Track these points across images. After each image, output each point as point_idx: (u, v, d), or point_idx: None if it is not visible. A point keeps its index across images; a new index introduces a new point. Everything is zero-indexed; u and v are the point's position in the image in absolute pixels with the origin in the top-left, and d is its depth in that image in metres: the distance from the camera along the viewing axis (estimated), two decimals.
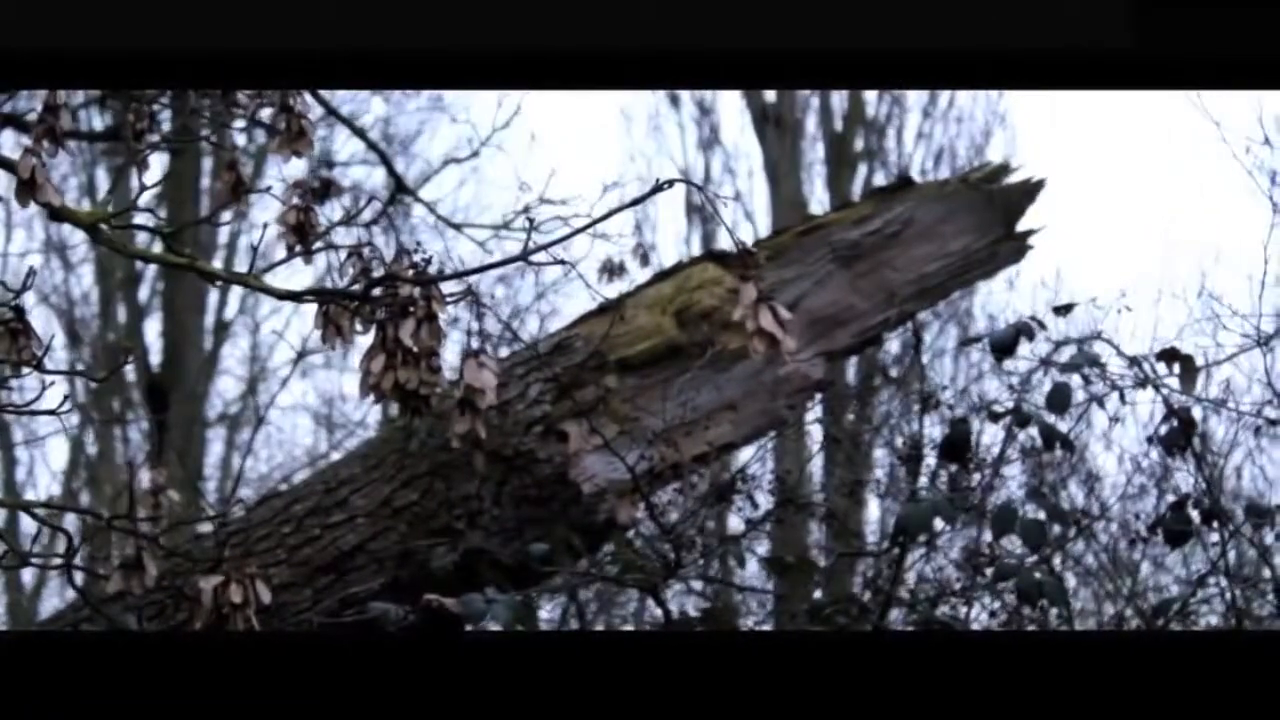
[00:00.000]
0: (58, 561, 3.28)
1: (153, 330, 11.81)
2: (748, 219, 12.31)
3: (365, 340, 3.10)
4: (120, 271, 11.80)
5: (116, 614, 3.52)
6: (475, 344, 3.29)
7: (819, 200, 12.32)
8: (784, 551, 6.01)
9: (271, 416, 11.62)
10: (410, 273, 3.03)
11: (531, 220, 3.09)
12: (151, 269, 11.86)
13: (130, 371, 11.20)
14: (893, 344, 7.01)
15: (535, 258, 3.04)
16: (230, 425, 12.32)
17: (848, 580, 5.86)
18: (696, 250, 10.96)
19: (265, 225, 3.30)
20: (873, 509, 7.45)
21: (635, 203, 3.22)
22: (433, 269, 3.09)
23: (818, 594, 4.82)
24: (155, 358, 11.38)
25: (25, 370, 3.10)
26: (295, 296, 3.11)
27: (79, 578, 3.24)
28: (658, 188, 2.98)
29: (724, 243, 8.06)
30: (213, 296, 11.76)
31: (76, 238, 12.45)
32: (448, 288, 3.09)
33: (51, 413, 2.98)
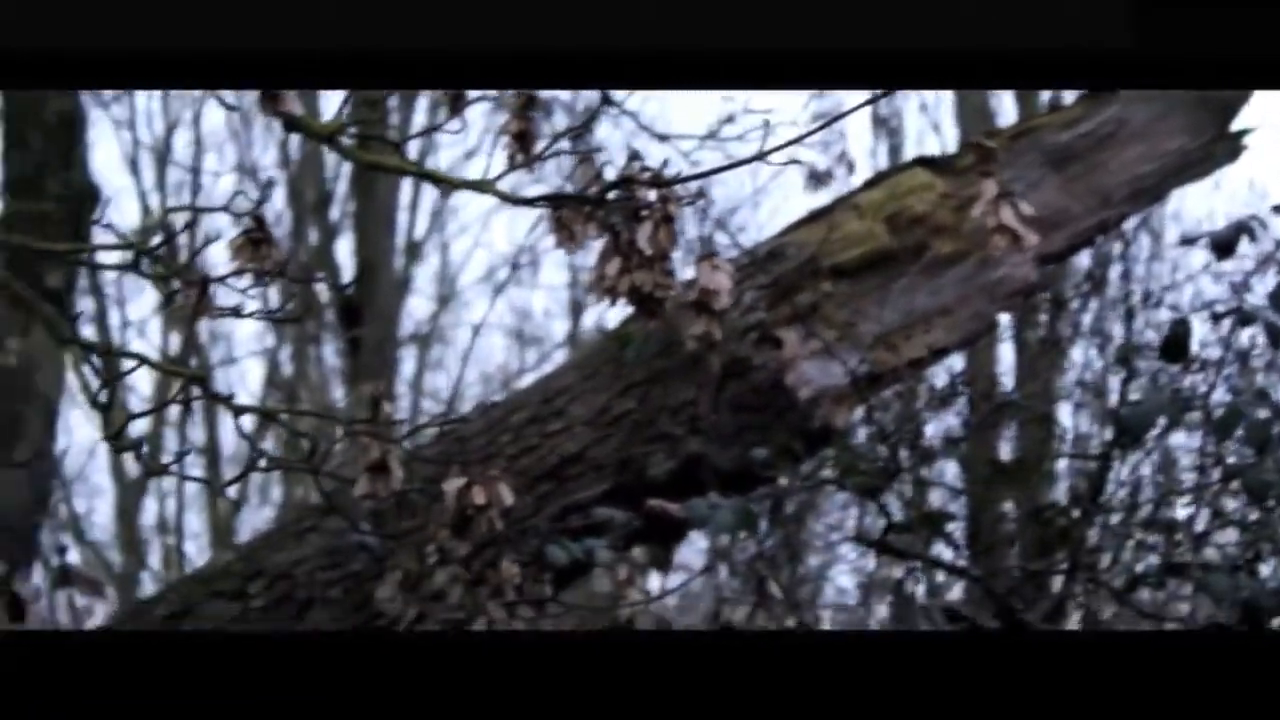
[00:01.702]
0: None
1: (344, 250, 11.99)
2: (934, 130, 12.23)
3: (596, 244, 3.14)
4: (312, 193, 11.98)
5: (359, 516, 3.58)
6: (703, 247, 3.31)
7: (1006, 110, 12.18)
8: (979, 457, 6.00)
9: (463, 335, 11.74)
10: (645, 176, 3.04)
11: (767, 121, 3.08)
12: (342, 189, 12.03)
13: (323, 291, 11.38)
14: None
15: (762, 160, 3.04)
16: (421, 344, 12.49)
17: (1051, 488, 5.83)
18: (884, 162, 10.88)
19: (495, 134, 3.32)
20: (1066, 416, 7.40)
21: (847, 114, 3.22)
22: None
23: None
24: (347, 278, 11.55)
25: (268, 279, 3.15)
26: (531, 202, 3.14)
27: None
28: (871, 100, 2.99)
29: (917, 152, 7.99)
30: (403, 217, 11.91)
31: (266, 159, 12.66)
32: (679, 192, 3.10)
33: (295, 319, 3.03)
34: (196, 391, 3.16)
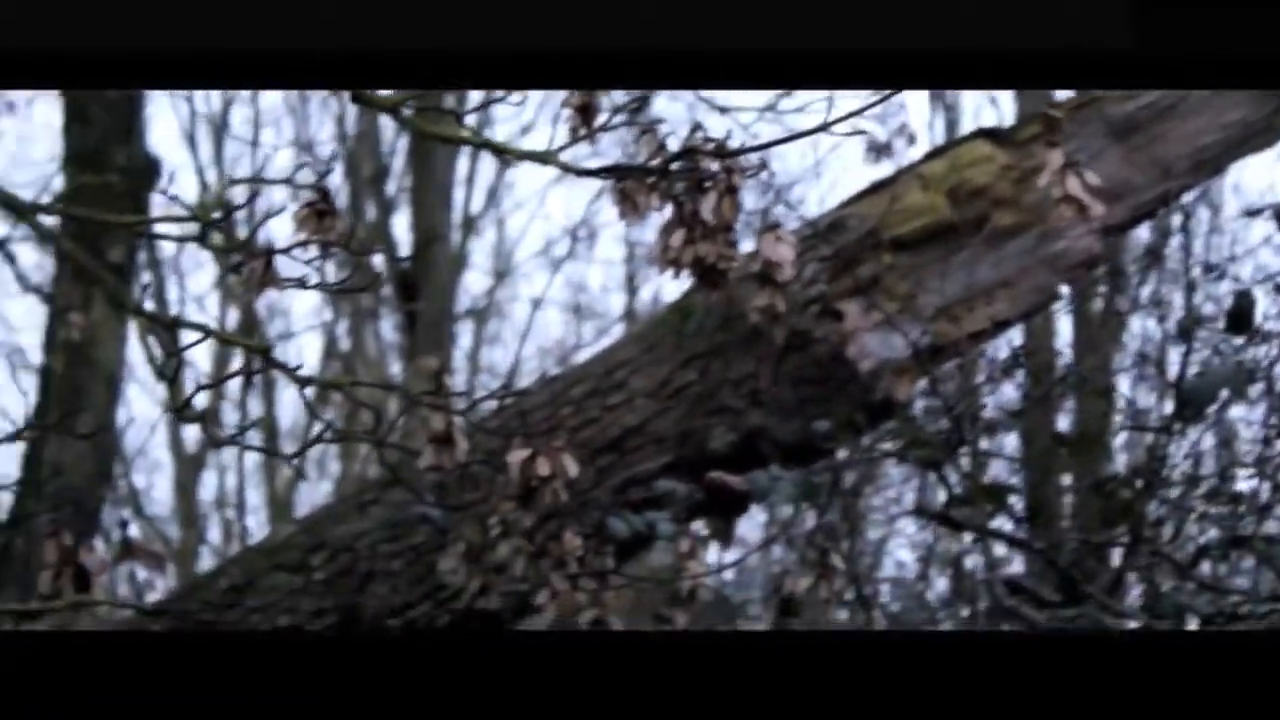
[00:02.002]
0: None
1: (401, 225, 12.01)
2: (991, 103, 12.17)
3: (659, 217, 3.14)
4: (368, 167, 12.00)
5: (422, 488, 3.60)
6: (764, 219, 3.30)
7: None
8: (1040, 430, 5.99)
9: (519, 310, 11.76)
10: (709, 147, 3.04)
11: (830, 99, 3.08)
12: (399, 164, 12.05)
13: (380, 265, 11.40)
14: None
15: (825, 131, 3.04)
16: (477, 320, 12.51)
17: (1111, 461, 5.81)
18: (941, 136, 10.84)
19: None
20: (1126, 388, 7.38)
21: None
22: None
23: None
24: (404, 252, 11.55)
25: (332, 250, 3.16)
26: (596, 173, 3.14)
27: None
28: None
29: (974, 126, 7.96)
30: (459, 192, 11.92)
31: (323, 134, 12.69)
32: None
33: (360, 290, 3.05)
34: (260, 364, 3.17)
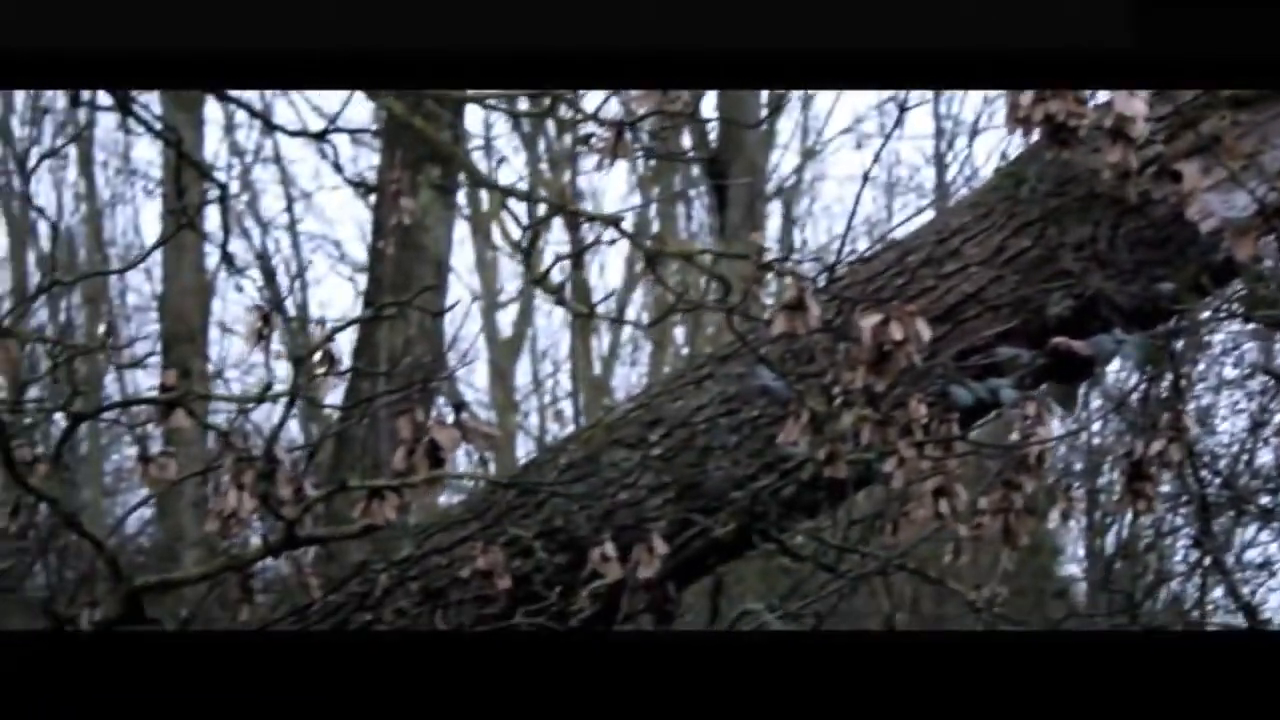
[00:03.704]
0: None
1: (707, 106, 11.98)
2: None
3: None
4: None
5: (772, 356, 3.60)
6: None
7: None
8: None
9: (828, 189, 11.69)
10: None
11: None
12: None
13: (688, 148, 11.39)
14: None
15: None
16: (786, 200, 12.48)
17: None
18: None
19: None
20: None
21: None
22: None
23: None
24: (713, 132, 11.54)
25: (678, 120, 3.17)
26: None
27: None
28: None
29: None
30: None
31: None
32: None
33: (709, 160, 3.04)
34: (615, 235, 3.20)
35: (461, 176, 7.52)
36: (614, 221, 3.25)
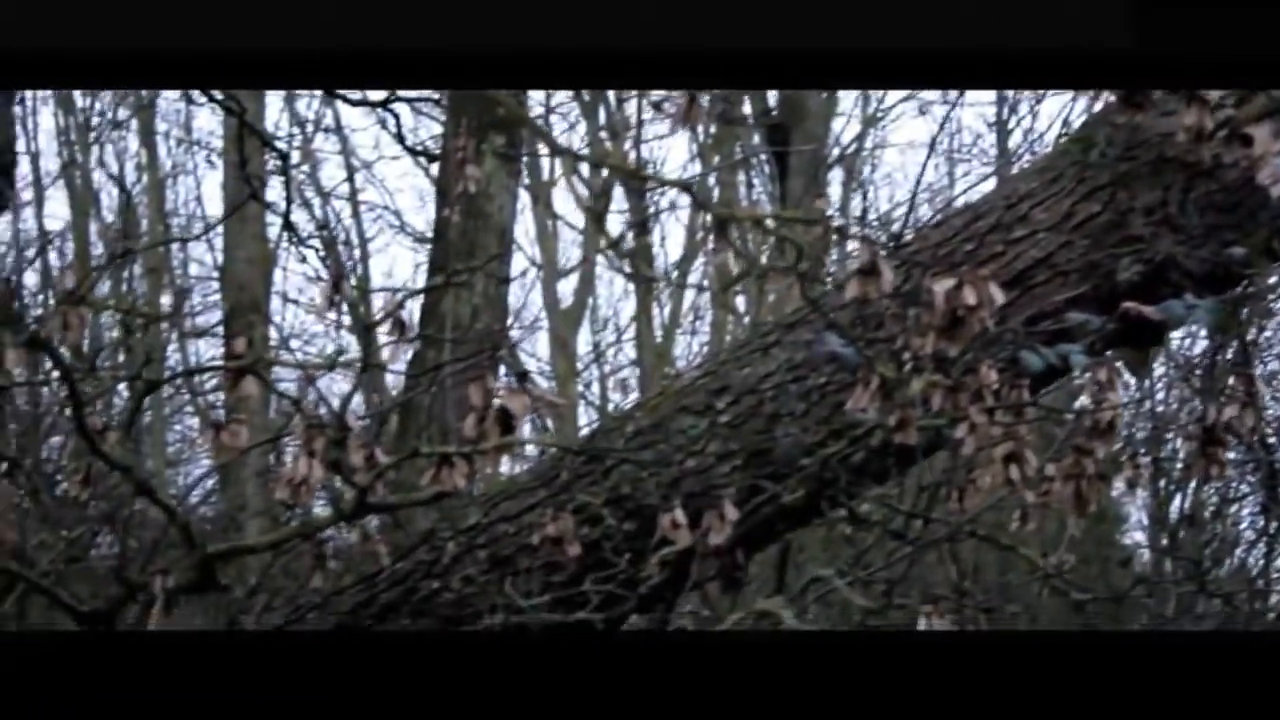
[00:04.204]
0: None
1: None
2: None
3: None
4: None
5: (845, 321, 3.59)
6: None
7: None
8: None
9: (889, 156, 11.65)
10: None
11: None
12: None
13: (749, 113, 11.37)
14: None
15: None
16: (848, 167, 12.43)
17: None
18: None
19: None
20: None
21: None
22: None
23: None
24: (774, 98, 11.50)
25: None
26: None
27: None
28: None
29: None
30: None
31: None
32: None
33: (778, 124, 3.03)
34: (678, 201, 3.19)
35: (526, 144, 7.53)
36: (685, 186, 3.25)
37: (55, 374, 3.80)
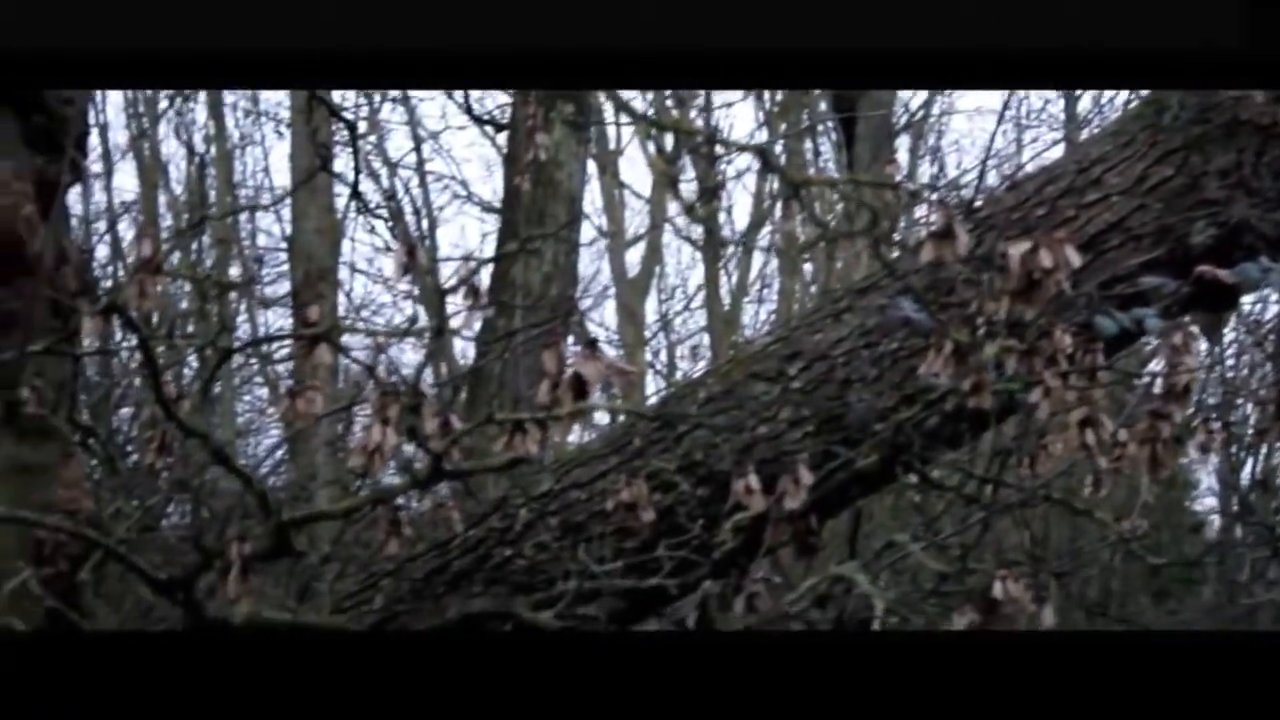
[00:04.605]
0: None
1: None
2: None
3: None
4: None
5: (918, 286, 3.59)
6: None
7: None
8: None
9: (955, 123, 11.59)
10: None
11: None
12: None
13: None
14: None
15: None
16: (914, 134, 12.40)
17: None
18: None
19: None
20: None
21: None
22: None
23: None
24: None
25: None
26: None
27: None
28: None
29: None
30: None
31: None
32: None
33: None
34: (760, 165, 3.19)
35: (594, 113, 7.55)
36: (759, 150, 3.25)
37: (128, 344, 3.83)
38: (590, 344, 3.48)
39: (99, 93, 10.90)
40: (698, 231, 11.46)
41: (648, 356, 13.76)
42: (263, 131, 14.01)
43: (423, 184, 13.55)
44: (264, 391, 12.76)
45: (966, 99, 12.66)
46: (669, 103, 11.61)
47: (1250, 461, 8.56)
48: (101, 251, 10.77)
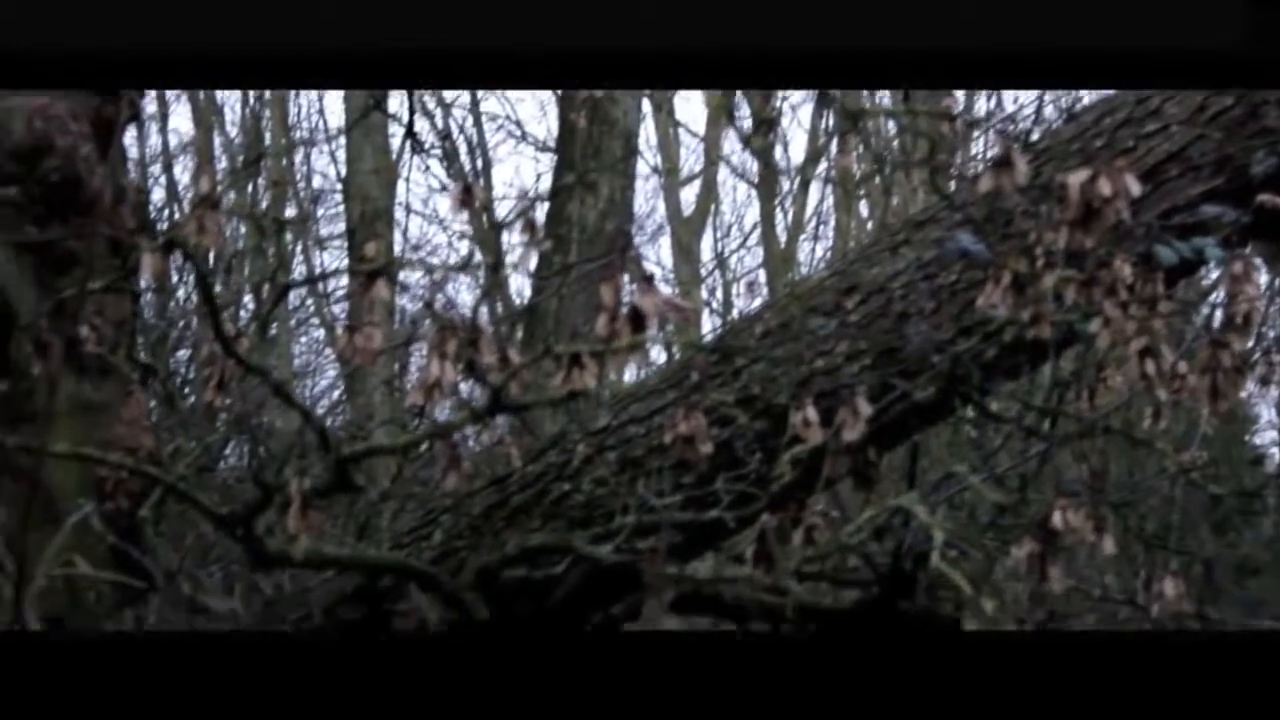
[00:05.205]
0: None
1: None
2: None
3: None
4: None
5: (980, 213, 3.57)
6: None
7: None
8: None
9: None
10: None
11: None
12: None
13: None
14: None
15: None
16: None
17: None
18: None
19: None
20: None
21: None
22: None
23: None
24: None
25: None
26: None
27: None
28: None
29: None
30: None
31: None
32: None
33: None
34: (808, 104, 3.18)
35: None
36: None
37: (186, 284, 3.84)
38: (647, 278, 3.47)
39: None
40: (753, 169, 11.44)
41: (703, 294, 13.76)
42: None
43: (477, 124, 13.56)
44: (320, 334, 12.83)
45: None
46: None
47: None
48: (157, 195, 10.82)
